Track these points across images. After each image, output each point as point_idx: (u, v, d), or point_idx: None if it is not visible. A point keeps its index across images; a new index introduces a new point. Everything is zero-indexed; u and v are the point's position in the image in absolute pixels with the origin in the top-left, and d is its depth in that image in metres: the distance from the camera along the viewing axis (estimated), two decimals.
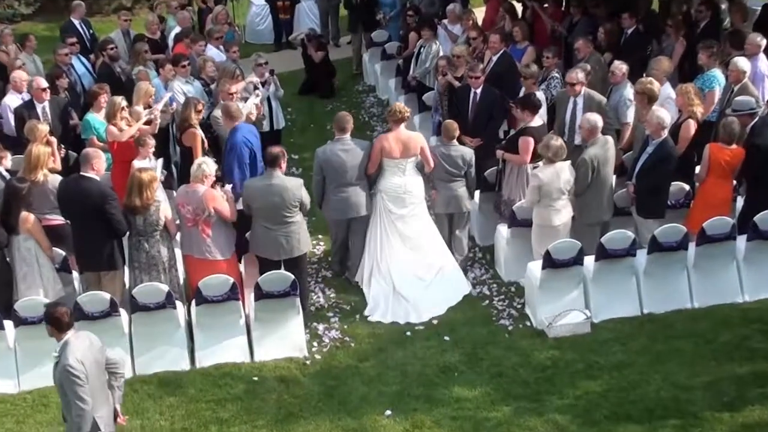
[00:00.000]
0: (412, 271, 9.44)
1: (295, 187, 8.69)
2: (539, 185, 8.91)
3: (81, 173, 8.55)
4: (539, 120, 9.91)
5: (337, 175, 9.38)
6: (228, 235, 8.71)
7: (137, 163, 9.34)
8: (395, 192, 9.47)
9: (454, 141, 9.67)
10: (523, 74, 10.97)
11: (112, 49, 12.63)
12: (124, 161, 9.84)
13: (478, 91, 10.76)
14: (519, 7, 15.18)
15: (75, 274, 8.94)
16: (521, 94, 10.74)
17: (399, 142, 9.42)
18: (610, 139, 9.41)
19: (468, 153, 9.66)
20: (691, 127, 9.49)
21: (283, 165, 8.80)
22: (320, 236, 10.40)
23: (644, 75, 10.58)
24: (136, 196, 8.38)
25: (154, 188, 8.50)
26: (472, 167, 9.64)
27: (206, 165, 8.67)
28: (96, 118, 10.54)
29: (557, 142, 9.04)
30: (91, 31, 14.64)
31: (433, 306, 9.24)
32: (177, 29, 14.26)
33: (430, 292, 9.36)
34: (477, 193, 10.27)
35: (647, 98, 9.75)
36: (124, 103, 10.19)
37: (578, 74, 10.28)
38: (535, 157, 9.56)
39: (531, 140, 9.59)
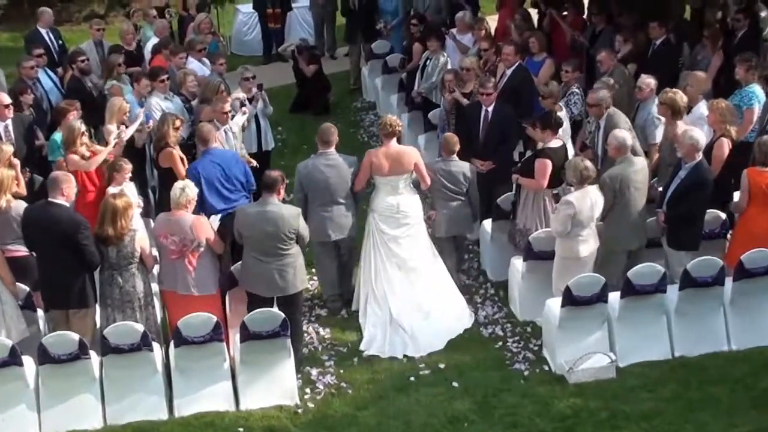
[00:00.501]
0: (410, 298, 9.56)
1: (292, 217, 8.76)
2: (573, 213, 8.88)
3: (49, 199, 8.59)
4: (558, 141, 9.94)
5: (319, 192, 9.52)
6: (214, 269, 8.81)
7: (112, 190, 9.35)
8: (388, 211, 9.61)
9: (455, 156, 9.81)
10: (541, 93, 11.05)
11: (82, 61, 12.76)
12: (94, 190, 9.91)
13: (490, 108, 10.80)
14: (535, 16, 15.31)
15: (40, 312, 8.97)
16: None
17: (389, 157, 9.57)
18: (639, 159, 9.43)
19: (470, 169, 9.82)
20: (725, 146, 9.56)
21: (282, 191, 8.90)
22: (314, 270, 10.48)
23: None
24: (109, 225, 8.41)
25: (130, 216, 8.53)
26: (474, 184, 9.81)
27: (189, 189, 8.75)
28: None
29: (589, 162, 9.09)
30: (59, 42, 14.75)
31: (434, 338, 9.33)
32: (154, 39, 14.38)
33: (430, 322, 9.47)
34: (489, 222, 10.37)
35: (671, 111, 9.86)
36: (83, 127, 10.19)
37: (599, 94, 10.32)
38: (553, 181, 9.66)
39: (548, 162, 9.63)
